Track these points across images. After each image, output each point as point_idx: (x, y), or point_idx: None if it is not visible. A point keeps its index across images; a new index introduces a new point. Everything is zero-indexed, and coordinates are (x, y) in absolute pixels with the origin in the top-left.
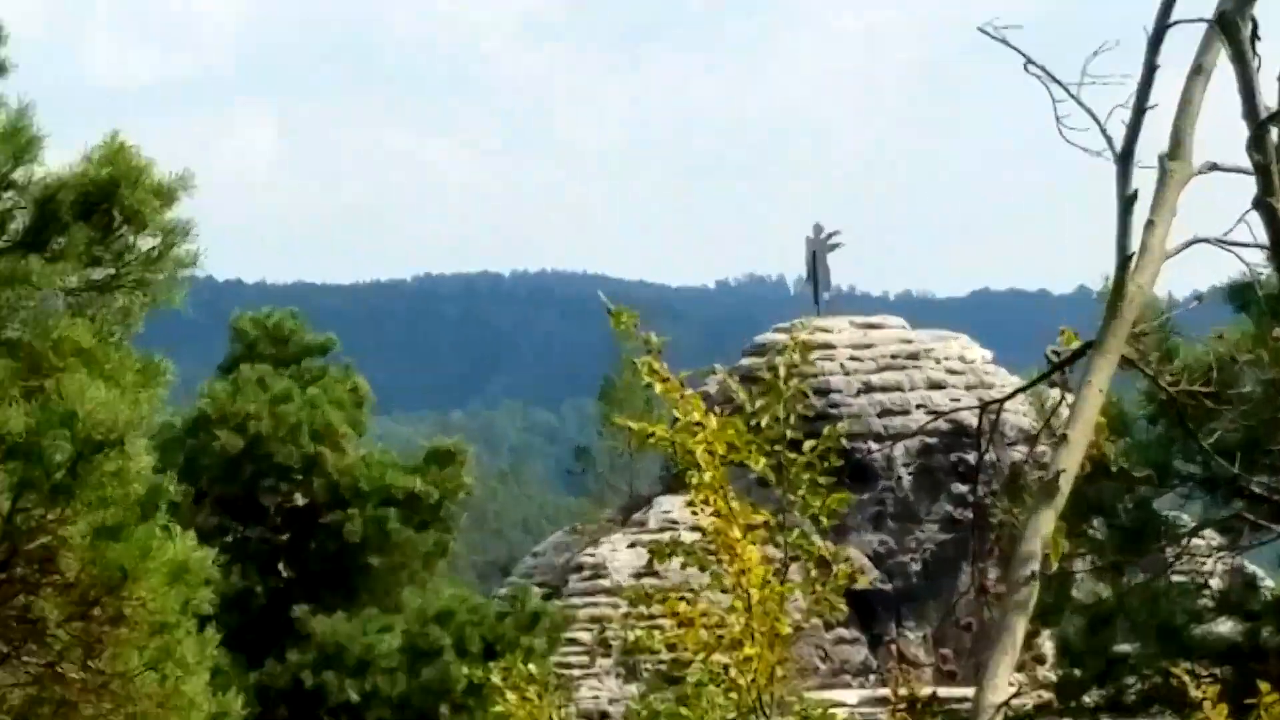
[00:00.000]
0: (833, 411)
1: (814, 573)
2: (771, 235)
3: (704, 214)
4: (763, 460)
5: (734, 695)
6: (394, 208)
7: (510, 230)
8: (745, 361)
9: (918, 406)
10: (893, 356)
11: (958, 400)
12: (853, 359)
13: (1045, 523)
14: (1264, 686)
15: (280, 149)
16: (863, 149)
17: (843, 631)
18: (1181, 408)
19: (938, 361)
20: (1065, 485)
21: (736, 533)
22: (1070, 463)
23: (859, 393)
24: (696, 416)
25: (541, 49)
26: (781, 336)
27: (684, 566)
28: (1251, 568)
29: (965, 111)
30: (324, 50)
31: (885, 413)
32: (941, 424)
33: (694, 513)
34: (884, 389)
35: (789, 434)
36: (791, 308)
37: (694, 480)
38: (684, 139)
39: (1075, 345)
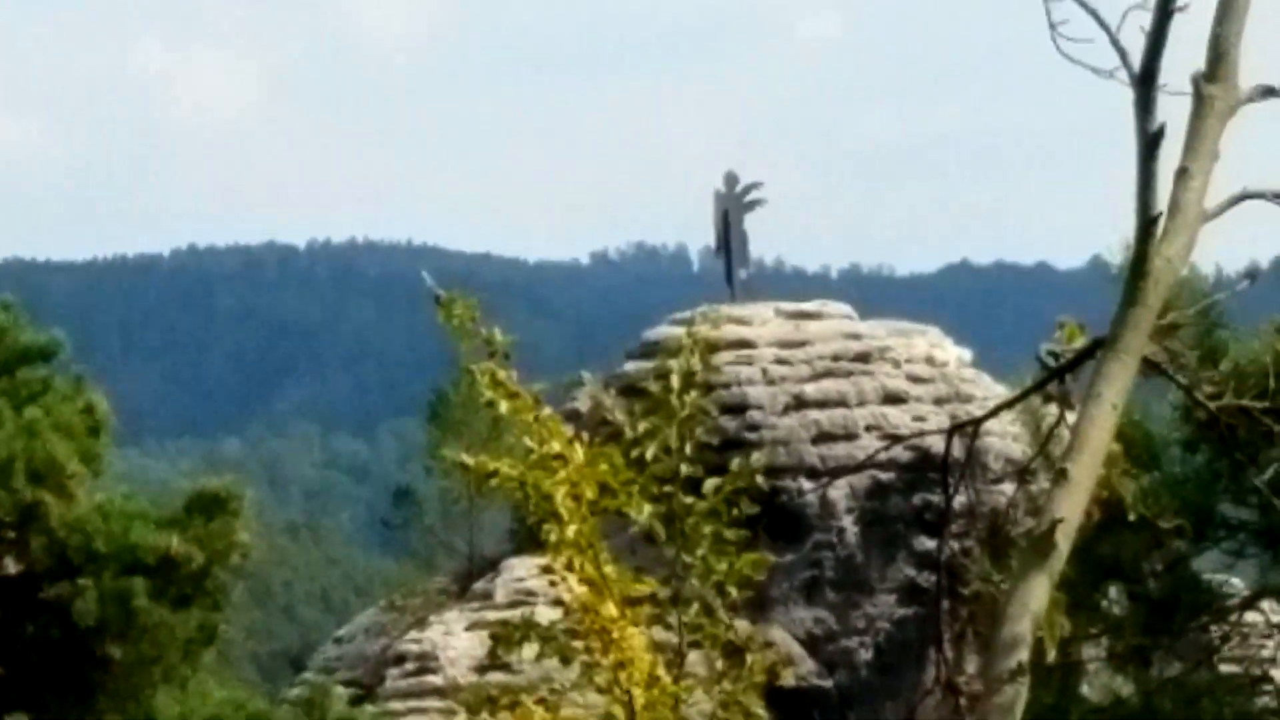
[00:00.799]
0: (750, 436)
1: (721, 664)
2: (668, 188)
3: (574, 156)
4: (648, 507)
5: None
6: (145, 152)
7: (307, 184)
8: (630, 367)
9: (869, 429)
10: (834, 358)
11: (923, 420)
12: (779, 362)
13: (1037, 594)
14: None
15: None
16: (800, 64)
17: None
18: (1229, 429)
19: (897, 365)
20: (1064, 541)
21: (612, 609)
22: (1071, 508)
23: (787, 409)
24: (557, 446)
25: None
26: (681, 331)
27: (541, 657)
28: None
29: (943, 20)
30: None
31: (823, 437)
32: (900, 453)
33: (553, 582)
34: (822, 404)
35: (685, 470)
36: (696, 290)
37: (552, 536)
38: (541, 40)
39: (1080, 343)
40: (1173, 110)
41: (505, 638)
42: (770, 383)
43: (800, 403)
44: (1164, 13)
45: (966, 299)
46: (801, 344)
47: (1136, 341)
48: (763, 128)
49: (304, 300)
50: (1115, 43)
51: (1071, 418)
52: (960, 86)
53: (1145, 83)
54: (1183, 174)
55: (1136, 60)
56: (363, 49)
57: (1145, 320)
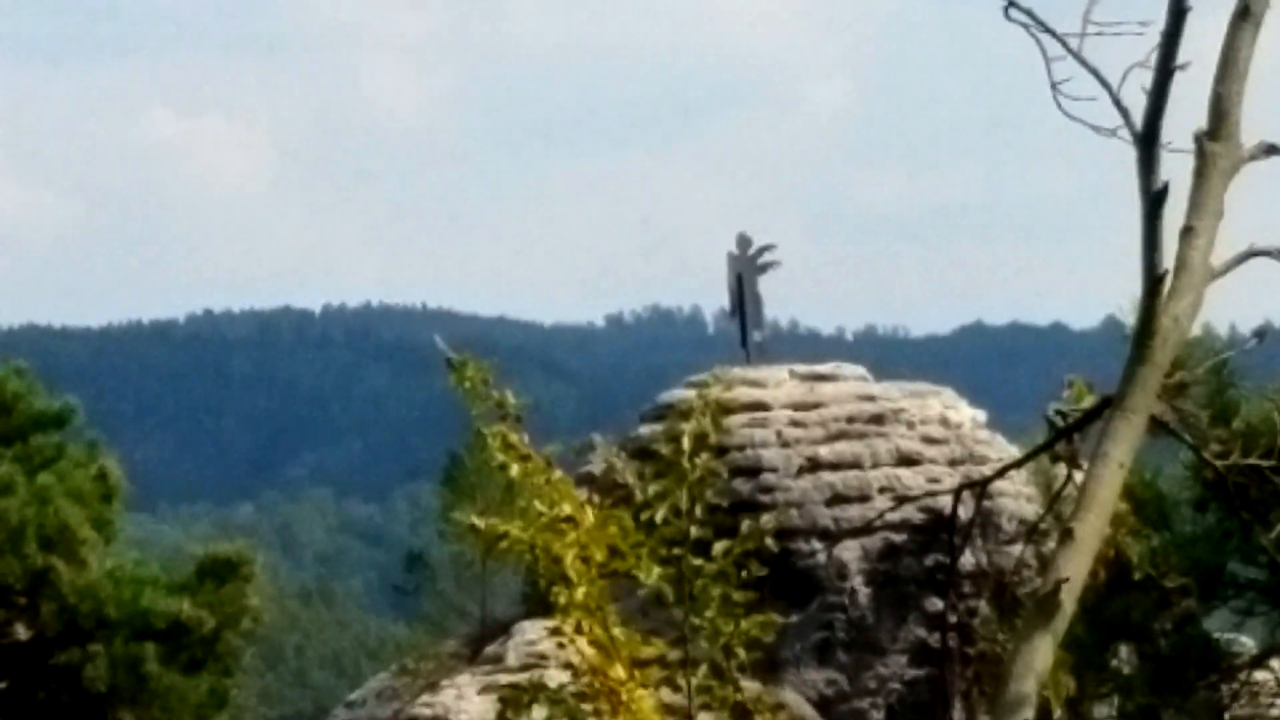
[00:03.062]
0: (764, 499)
1: None
2: (683, 252)
3: (589, 221)
4: (657, 569)
5: None
6: (160, 219)
7: (322, 250)
8: (644, 430)
9: (882, 490)
10: (849, 420)
11: (937, 481)
12: (794, 424)
13: (1041, 653)
14: None
15: None
16: (812, 129)
17: None
18: (1237, 488)
19: (911, 426)
20: (1069, 600)
21: (621, 671)
22: (1076, 568)
23: (801, 472)
24: (567, 509)
25: None
26: (693, 394)
27: (551, 718)
28: None
29: (952, 82)
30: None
31: (837, 499)
32: (913, 514)
33: (561, 644)
34: (836, 466)
35: (694, 532)
36: (711, 353)
37: (561, 599)
38: (554, 108)
39: (1088, 402)
40: (1177, 169)
41: (514, 701)
42: (784, 445)
43: (814, 465)
44: (1165, 72)
45: (982, 360)
46: (816, 406)
47: (1144, 400)
48: (777, 192)
49: (318, 365)
50: (1117, 102)
51: (1080, 477)
52: (973, 149)
53: (1147, 141)
54: (1188, 232)
55: (1139, 119)
56: (376, 117)
57: (1153, 379)
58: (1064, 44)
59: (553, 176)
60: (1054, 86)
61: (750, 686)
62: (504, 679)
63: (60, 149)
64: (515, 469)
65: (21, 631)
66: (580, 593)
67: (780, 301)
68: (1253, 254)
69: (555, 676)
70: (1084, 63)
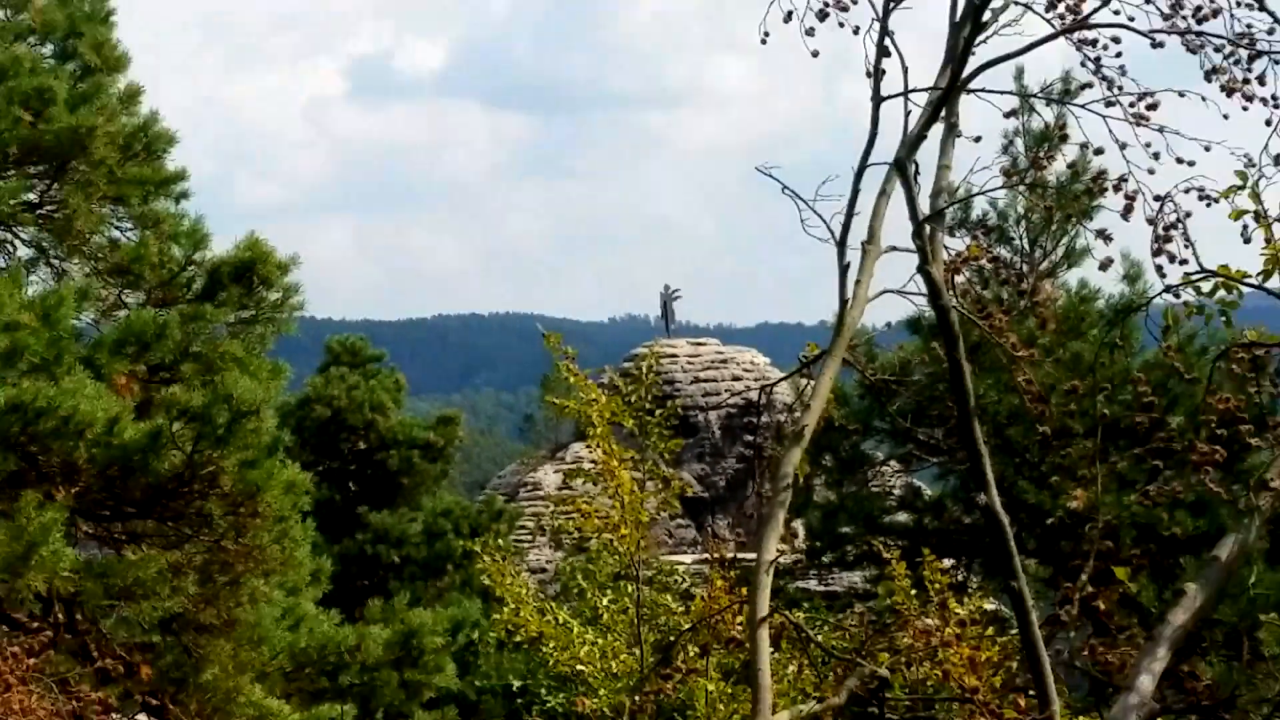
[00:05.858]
0: (673, 392)
1: (660, 487)
2: (644, 288)
3: (604, 267)
4: (631, 421)
5: (617, 557)
6: None
7: (502, 273)
8: (625, 365)
9: (725, 390)
10: (711, 362)
11: (750, 388)
12: (689, 362)
13: (795, 456)
14: (925, 551)
15: None
16: (706, 233)
17: (680, 520)
18: (878, 388)
19: (739, 365)
20: (807, 434)
21: (615, 464)
22: (811, 421)
23: (693, 382)
24: (593, 395)
25: None
26: (645, 350)
27: (585, 482)
28: (918, 483)
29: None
30: None
31: (707, 394)
32: (739, 400)
33: (589, 450)
34: (707, 380)
35: (647, 406)
36: (654, 334)
37: (591, 432)
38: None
39: (815, 353)
40: (856, 255)
41: (571, 474)
42: (684, 371)
43: (697, 380)
44: (849, 214)
45: (770, 338)
46: (697, 356)
47: (840, 352)
48: (684, 263)
49: (486, 338)
50: (829, 227)
51: (812, 385)
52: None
53: (841, 245)
54: (858, 283)
55: (838, 235)
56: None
57: (843, 343)
58: (809, 205)
59: (598, 254)
60: (803, 222)
61: (669, 470)
62: (565, 467)
63: None
64: (572, 380)
65: (362, 445)
66: (599, 430)
67: (701, 310)
68: (884, 292)
69: (588, 465)
70: (815, 211)
